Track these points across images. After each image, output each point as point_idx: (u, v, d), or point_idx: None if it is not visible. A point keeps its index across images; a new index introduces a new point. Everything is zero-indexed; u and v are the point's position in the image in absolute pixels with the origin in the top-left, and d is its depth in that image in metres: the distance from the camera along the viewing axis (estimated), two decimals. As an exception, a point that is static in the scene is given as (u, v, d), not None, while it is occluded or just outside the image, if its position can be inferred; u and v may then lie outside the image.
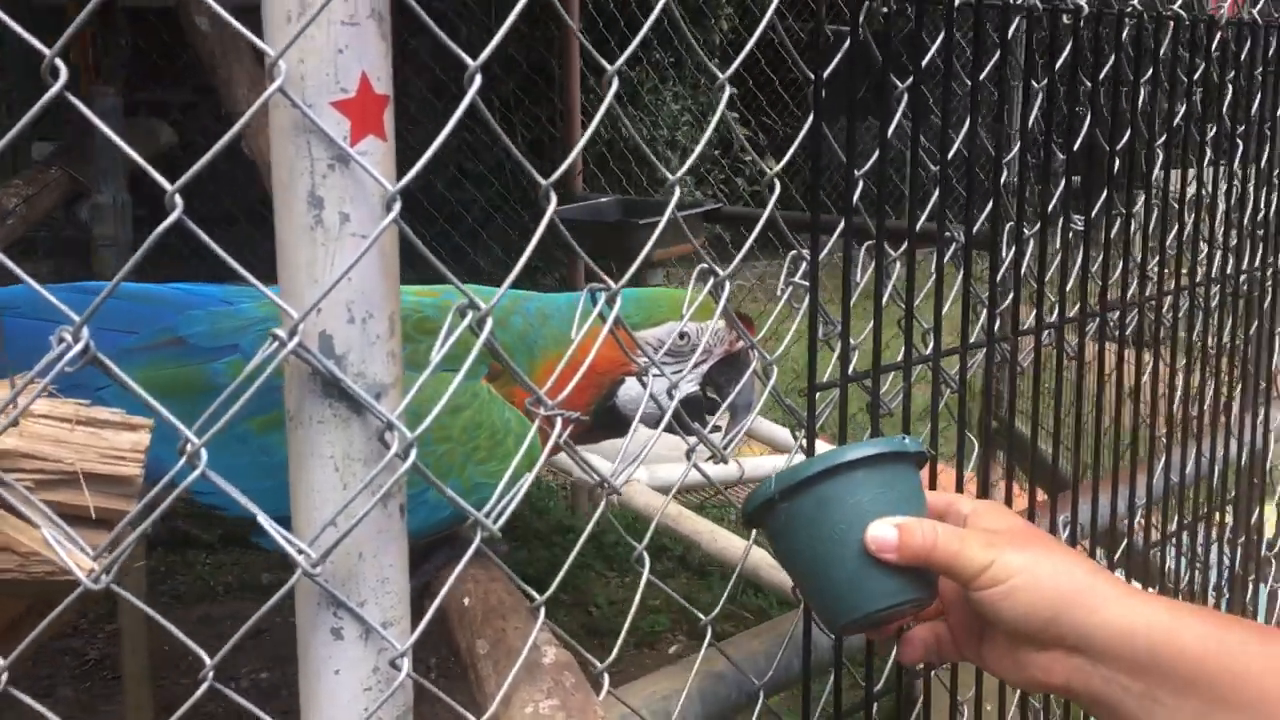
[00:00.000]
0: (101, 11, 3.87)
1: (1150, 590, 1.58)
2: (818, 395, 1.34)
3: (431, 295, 1.42)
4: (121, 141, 0.79)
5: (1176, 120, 1.92)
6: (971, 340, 1.54)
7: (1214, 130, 2.04)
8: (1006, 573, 1.00)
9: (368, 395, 0.82)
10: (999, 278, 1.57)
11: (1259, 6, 2.05)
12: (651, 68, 8.30)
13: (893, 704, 1.52)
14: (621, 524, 1.21)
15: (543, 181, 0.90)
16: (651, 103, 8.35)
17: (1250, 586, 2.44)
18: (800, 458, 1.31)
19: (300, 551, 0.81)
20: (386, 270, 0.83)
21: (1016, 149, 1.61)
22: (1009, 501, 1.61)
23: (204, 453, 0.76)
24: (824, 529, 1.06)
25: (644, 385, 1.14)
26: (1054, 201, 1.66)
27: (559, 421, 1.02)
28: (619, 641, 1.14)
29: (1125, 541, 1.96)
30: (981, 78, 1.49)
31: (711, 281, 1.17)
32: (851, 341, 1.36)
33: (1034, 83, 1.58)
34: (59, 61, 0.69)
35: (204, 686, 0.82)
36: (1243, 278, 2.20)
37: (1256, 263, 2.24)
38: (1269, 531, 2.66)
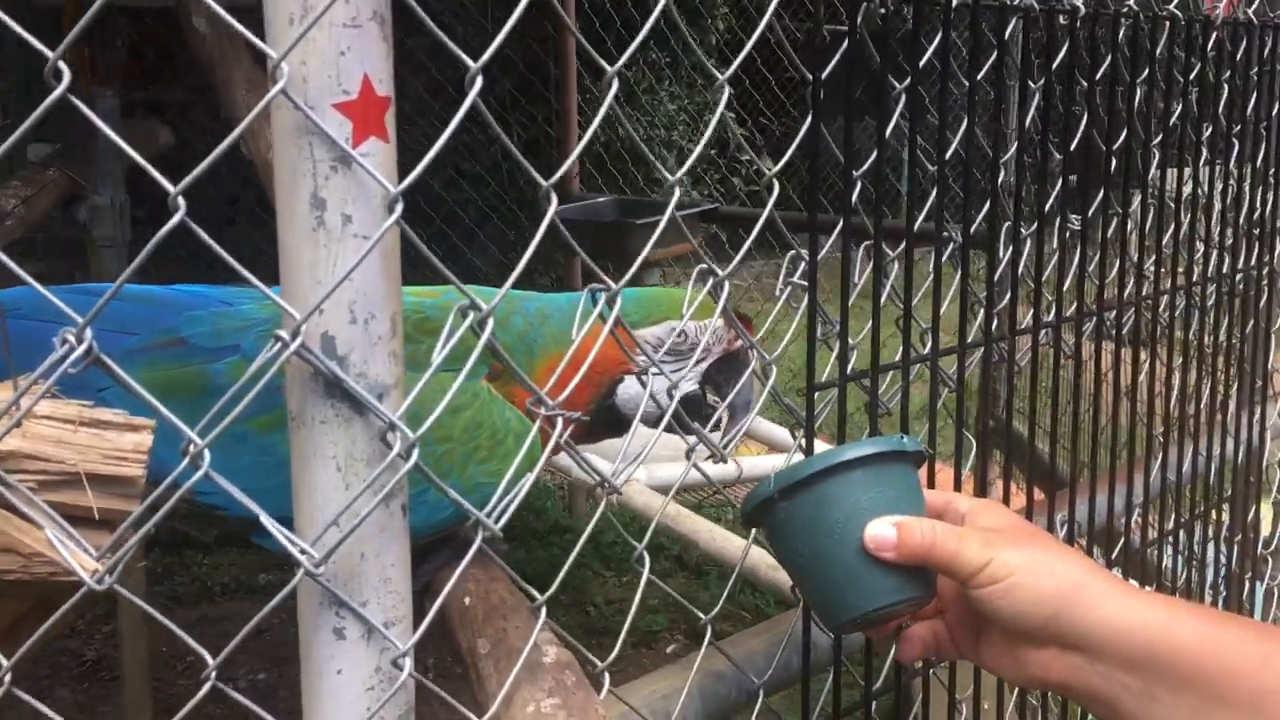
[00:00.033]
0: (102, 14, 3.87)
1: (1147, 588, 1.59)
2: (816, 395, 1.34)
3: (432, 295, 1.43)
4: (124, 143, 0.79)
5: (1173, 120, 1.92)
6: (969, 340, 1.55)
7: (1210, 130, 2.04)
8: (1005, 571, 1.00)
9: (370, 396, 0.82)
10: (996, 277, 1.58)
11: (1254, 6, 2.06)
12: (648, 68, 8.30)
13: (891, 702, 1.53)
14: (619, 523, 1.21)
15: (543, 183, 0.90)
16: (648, 103, 8.35)
17: (1247, 584, 2.45)
18: (799, 457, 1.31)
19: (303, 552, 0.82)
20: (388, 271, 0.83)
21: (1014, 149, 1.62)
22: (1006, 500, 1.62)
23: (207, 453, 0.76)
24: (823, 528, 1.06)
25: (643, 384, 1.14)
26: (1051, 201, 1.67)
27: (559, 421, 1.02)
28: (620, 641, 1.14)
29: (1122, 540, 1.96)
30: (979, 78, 1.49)
31: (711, 282, 1.17)
32: (850, 341, 1.36)
33: (1031, 83, 1.59)
34: (63, 64, 0.70)
35: (207, 686, 0.82)
36: (1239, 277, 2.20)
37: (1253, 261, 2.25)
38: (1265, 529, 2.66)
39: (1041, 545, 1.03)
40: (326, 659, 0.86)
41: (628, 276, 1.05)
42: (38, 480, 0.86)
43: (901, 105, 1.40)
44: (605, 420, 1.47)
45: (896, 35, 1.36)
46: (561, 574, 1.06)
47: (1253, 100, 2.14)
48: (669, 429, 1.21)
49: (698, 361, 1.47)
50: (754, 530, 1.22)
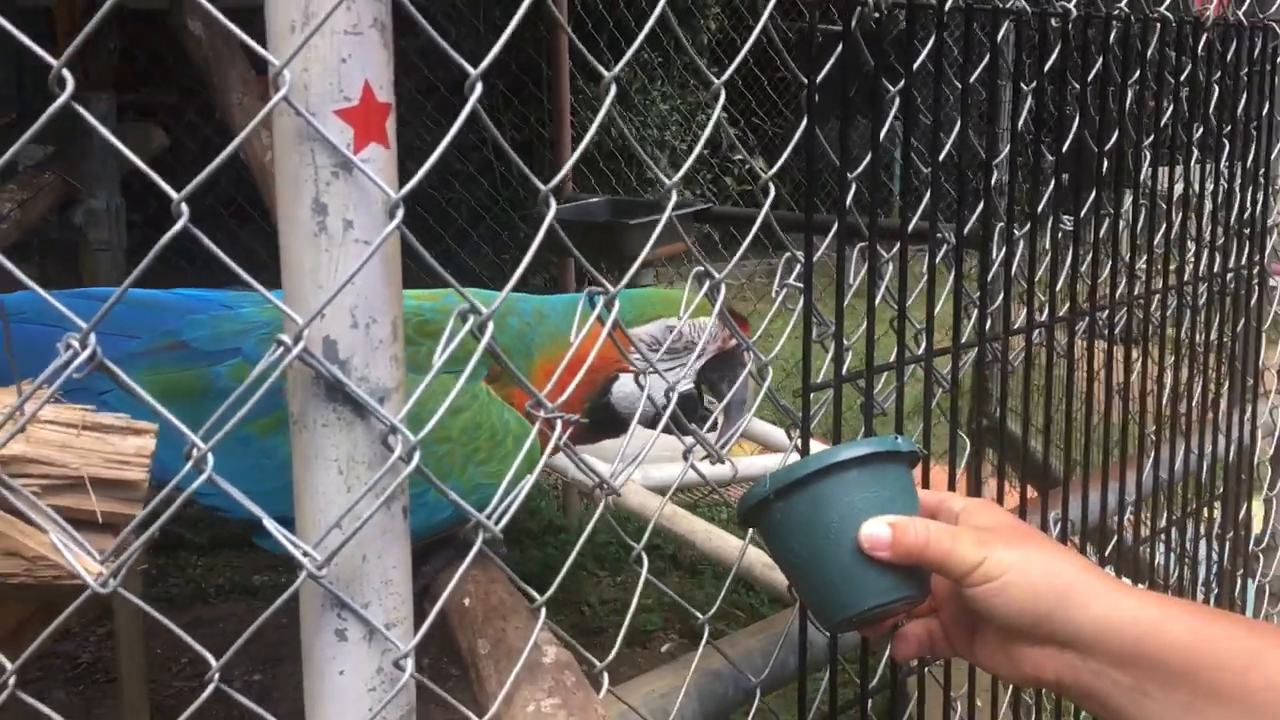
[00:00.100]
0: (91, 15, 3.87)
1: (1140, 586, 1.60)
2: (811, 395, 1.35)
3: (432, 299, 1.43)
4: (125, 148, 0.80)
5: (1164, 121, 1.94)
6: (963, 340, 1.56)
7: (1200, 130, 2.06)
8: (998, 569, 1.01)
9: (371, 399, 0.83)
10: (990, 277, 1.59)
11: (1244, 8, 2.07)
12: (640, 68, 8.31)
13: (887, 700, 1.54)
14: (615, 524, 1.22)
15: (542, 187, 0.91)
16: (640, 103, 8.36)
17: (1238, 581, 2.46)
18: (795, 457, 1.32)
19: (305, 554, 0.82)
20: (389, 276, 0.84)
21: (1006, 150, 1.63)
22: (1000, 499, 1.63)
23: (210, 457, 0.77)
24: (818, 528, 1.07)
25: (640, 385, 1.15)
26: (1044, 202, 1.68)
27: (559, 423, 1.03)
28: (618, 641, 1.15)
29: (1115, 538, 1.97)
30: (972, 80, 1.51)
31: (708, 284, 1.18)
32: (845, 342, 1.37)
33: (1023, 84, 1.60)
34: (66, 73, 0.70)
35: (210, 688, 0.82)
36: (1229, 276, 2.22)
37: (1243, 261, 2.26)
38: (1256, 527, 2.68)
39: (1035, 544, 1.04)
40: (329, 660, 0.87)
41: (626, 278, 1.06)
42: (41, 484, 0.87)
43: (896, 107, 1.41)
44: (600, 419, 1.48)
45: (890, 37, 1.37)
46: (561, 575, 1.07)
47: (1243, 101, 2.15)
48: (665, 429, 1.22)
49: (692, 360, 1.48)
50: (750, 530, 1.23)
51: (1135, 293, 1.91)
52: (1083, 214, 1.74)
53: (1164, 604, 0.99)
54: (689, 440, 1.23)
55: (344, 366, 0.82)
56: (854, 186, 1.36)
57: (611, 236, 4.43)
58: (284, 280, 0.83)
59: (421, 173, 0.81)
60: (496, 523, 0.96)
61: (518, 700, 1.05)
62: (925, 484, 1.47)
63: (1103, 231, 1.79)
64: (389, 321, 0.84)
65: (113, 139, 0.80)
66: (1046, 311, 1.70)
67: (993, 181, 1.58)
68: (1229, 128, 2.13)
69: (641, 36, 1.00)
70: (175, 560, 5.01)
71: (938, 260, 1.49)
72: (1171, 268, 2.03)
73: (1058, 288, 1.71)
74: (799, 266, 1.32)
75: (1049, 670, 1.01)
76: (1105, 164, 1.77)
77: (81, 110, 0.72)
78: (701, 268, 1.18)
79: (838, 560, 1.06)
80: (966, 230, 1.55)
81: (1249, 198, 2.24)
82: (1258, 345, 2.44)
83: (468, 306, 0.88)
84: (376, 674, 0.87)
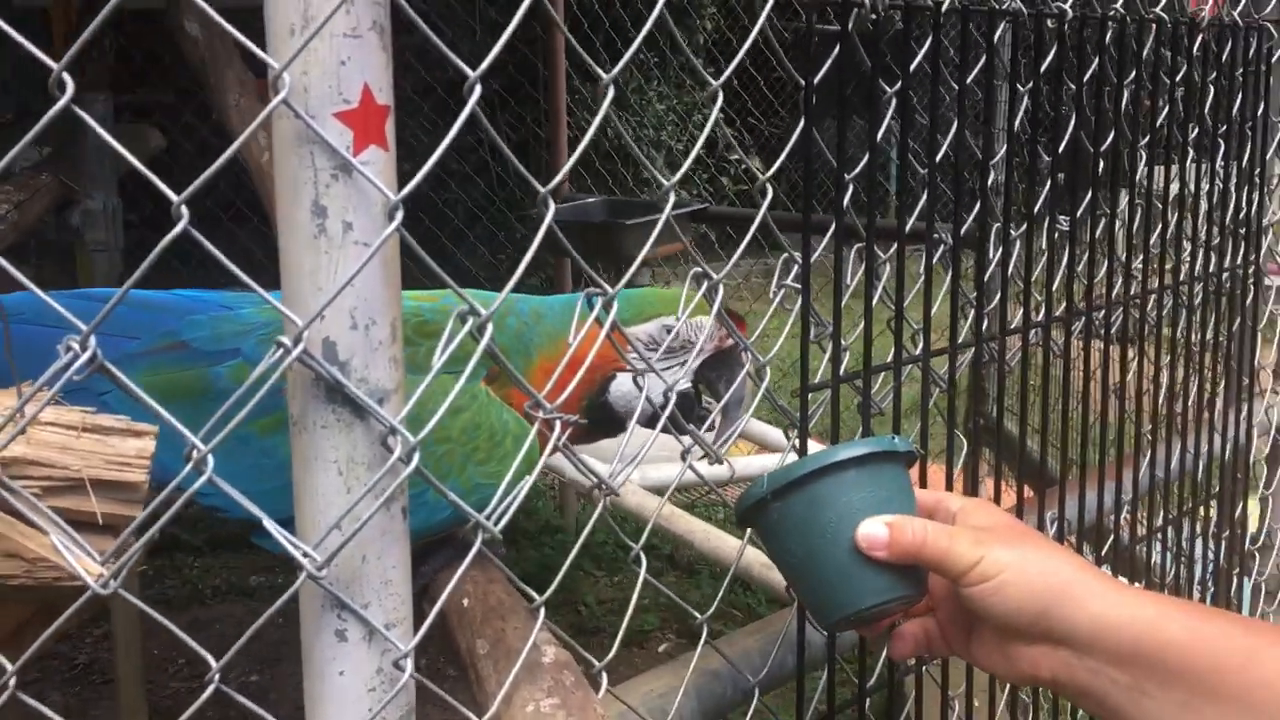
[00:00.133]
0: (87, 15, 3.86)
1: (1137, 585, 1.60)
2: (809, 395, 1.36)
3: (431, 300, 1.44)
4: (124, 150, 0.80)
5: (1159, 121, 1.94)
6: (960, 340, 1.56)
7: (1196, 130, 2.06)
8: (995, 569, 1.01)
9: (371, 400, 0.83)
10: (986, 278, 1.59)
11: (1239, 8, 2.08)
12: (636, 68, 8.30)
13: (885, 700, 1.54)
14: (613, 524, 1.22)
15: (541, 189, 0.91)
16: (636, 103, 8.35)
17: (1234, 580, 2.47)
18: (793, 457, 1.32)
19: (305, 555, 0.83)
20: (388, 277, 0.84)
21: (1003, 150, 1.63)
22: (997, 498, 1.63)
23: (210, 458, 0.77)
24: (816, 527, 1.07)
25: (638, 385, 1.15)
26: (1040, 202, 1.69)
27: (558, 424, 1.03)
28: (617, 640, 1.15)
29: (1111, 537, 1.98)
30: (968, 81, 1.51)
31: (706, 285, 1.19)
32: (842, 342, 1.38)
33: (1019, 85, 1.61)
34: (66, 76, 0.70)
35: (211, 688, 0.83)
36: (1225, 275, 2.22)
37: (1239, 260, 2.26)
38: (1252, 525, 2.69)
39: (1031, 543, 1.04)
40: (329, 660, 0.87)
41: (624, 279, 1.07)
42: (42, 486, 0.87)
43: (893, 108, 1.42)
44: (598, 417, 1.48)
45: (886, 38, 1.37)
46: (560, 576, 1.07)
47: (1238, 101, 2.16)
48: (663, 429, 1.22)
49: (689, 358, 1.48)
50: (748, 530, 1.23)
51: (1131, 292, 1.91)
52: (1079, 214, 1.74)
53: (1160, 603, 0.99)
54: (687, 440, 1.24)
55: (343, 368, 0.82)
56: (851, 187, 1.36)
57: (608, 237, 4.43)
58: (283, 282, 0.83)
59: (421, 174, 0.81)
60: (496, 523, 0.96)
61: (517, 700, 1.05)
62: (922, 484, 1.48)
63: (1099, 231, 1.79)
64: (388, 323, 0.84)
65: (112, 140, 0.80)
66: (1043, 311, 1.70)
67: (989, 182, 1.59)
68: (1224, 128, 2.13)
69: (640, 38, 1.01)
70: (172, 561, 5.01)
71: (935, 260, 1.50)
72: (1167, 267, 2.04)
73: (1054, 288, 1.72)
74: (796, 267, 1.33)
75: (1046, 669, 1.02)
76: (1101, 164, 1.78)
77: (81, 113, 0.73)
78: (700, 268, 1.18)
79: (835, 560, 1.07)
80: (963, 230, 1.55)
81: (1244, 197, 2.25)
82: (1253, 344, 2.44)
83: (467, 308, 0.88)
84: (376, 674, 0.88)
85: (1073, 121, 1.70)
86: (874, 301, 1.42)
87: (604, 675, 1.10)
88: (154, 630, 3.83)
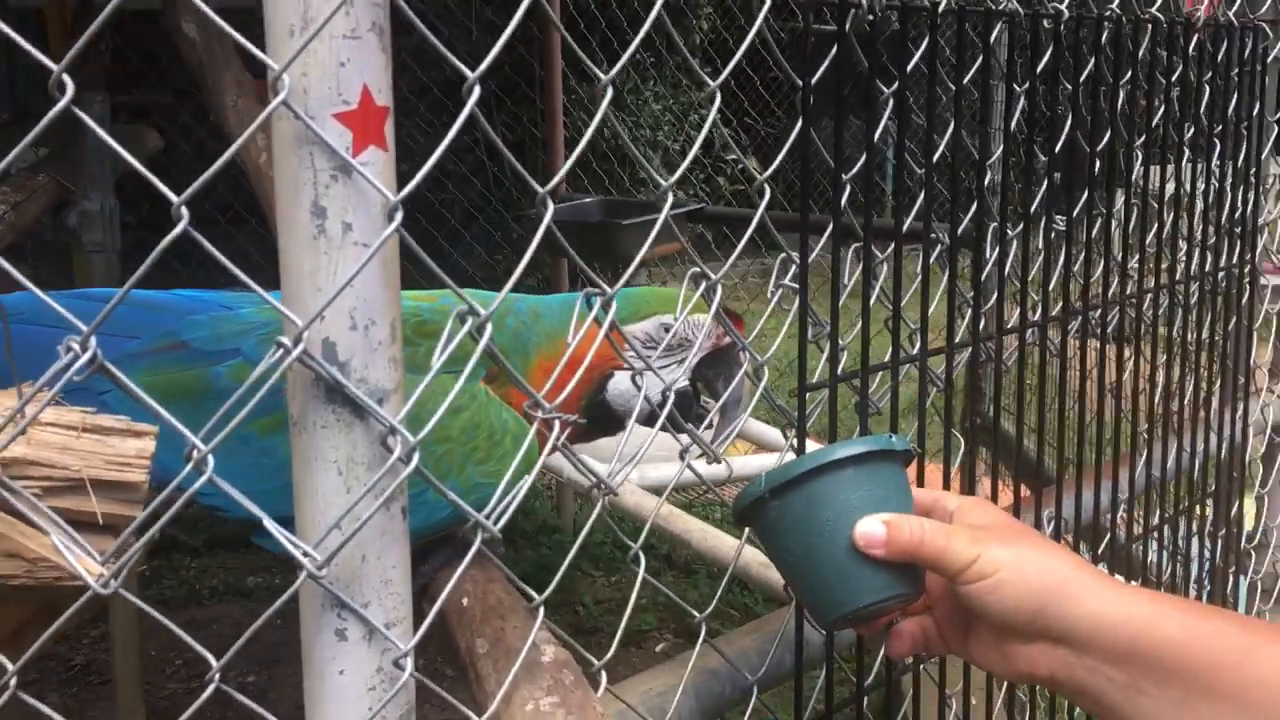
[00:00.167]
0: (84, 15, 3.86)
1: (1133, 583, 1.61)
2: (807, 395, 1.36)
3: (429, 300, 1.44)
4: (124, 150, 0.80)
5: (1155, 121, 1.95)
6: (957, 339, 1.57)
7: (1191, 130, 2.07)
8: (992, 567, 1.02)
9: (370, 400, 0.83)
10: (983, 277, 1.60)
11: (1234, 8, 2.08)
12: (632, 68, 8.31)
13: (882, 698, 1.55)
14: (611, 523, 1.23)
15: (540, 189, 0.92)
16: (633, 103, 8.36)
17: (1230, 579, 2.47)
18: (790, 456, 1.33)
19: (305, 554, 0.83)
20: (388, 278, 0.84)
21: (999, 150, 1.64)
22: (994, 497, 1.64)
23: (210, 459, 0.77)
24: (813, 526, 1.08)
25: (637, 385, 1.16)
26: (1036, 201, 1.69)
27: (556, 423, 1.04)
28: (616, 639, 1.16)
29: (1108, 536, 1.98)
30: (965, 81, 1.51)
31: (704, 285, 1.19)
32: (839, 342, 1.38)
33: (1016, 85, 1.61)
34: (67, 77, 0.71)
35: (211, 687, 0.83)
36: (1221, 274, 2.23)
37: (1234, 259, 2.27)
38: (1248, 524, 2.69)
39: (1028, 542, 1.05)
40: (329, 660, 0.87)
41: (623, 280, 1.07)
42: (42, 486, 0.87)
43: (890, 108, 1.42)
44: (596, 416, 1.49)
45: (883, 38, 1.38)
46: (559, 575, 1.07)
47: (1233, 101, 2.16)
48: (661, 428, 1.22)
49: (686, 357, 1.48)
50: (747, 529, 1.23)
51: (1127, 292, 1.92)
52: (1075, 214, 1.75)
53: (1157, 601, 1.00)
54: (685, 439, 1.24)
55: (343, 368, 0.83)
56: (848, 187, 1.36)
57: (604, 237, 4.44)
58: (283, 283, 0.83)
59: (420, 175, 0.81)
60: (495, 522, 0.96)
61: (516, 699, 1.06)
62: (920, 483, 1.48)
63: (1095, 231, 1.80)
64: (388, 323, 0.84)
65: (111, 141, 0.80)
66: (1039, 311, 1.71)
67: (986, 182, 1.59)
68: (1220, 127, 2.14)
69: (638, 39, 1.01)
70: (169, 562, 5.01)
71: (932, 260, 1.50)
72: (1163, 267, 2.04)
73: (1050, 287, 1.72)
74: (794, 267, 1.33)
75: (1043, 666, 1.02)
76: (1097, 164, 1.78)
77: (81, 114, 0.73)
78: (698, 268, 1.18)
79: (833, 558, 1.07)
80: (960, 230, 1.56)
81: (1240, 197, 2.25)
82: (1249, 343, 2.45)
83: (466, 308, 0.89)
84: (376, 673, 0.88)
85: (1069, 121, 1.70)
86: (871, 301, 1.43)
87: (603, 674, 1.10)
88: (151, 631, 3.83)
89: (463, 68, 0.83)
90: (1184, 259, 2.10)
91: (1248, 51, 2.17)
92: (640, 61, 8.35)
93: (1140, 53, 1.84)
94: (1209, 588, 2.37)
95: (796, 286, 1.33)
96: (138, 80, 6.56)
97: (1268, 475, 2.83)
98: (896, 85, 1.41)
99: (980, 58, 1.55)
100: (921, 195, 1.47)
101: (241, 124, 2.66)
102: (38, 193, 3.24)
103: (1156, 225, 2.00)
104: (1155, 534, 2.13)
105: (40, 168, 3.40)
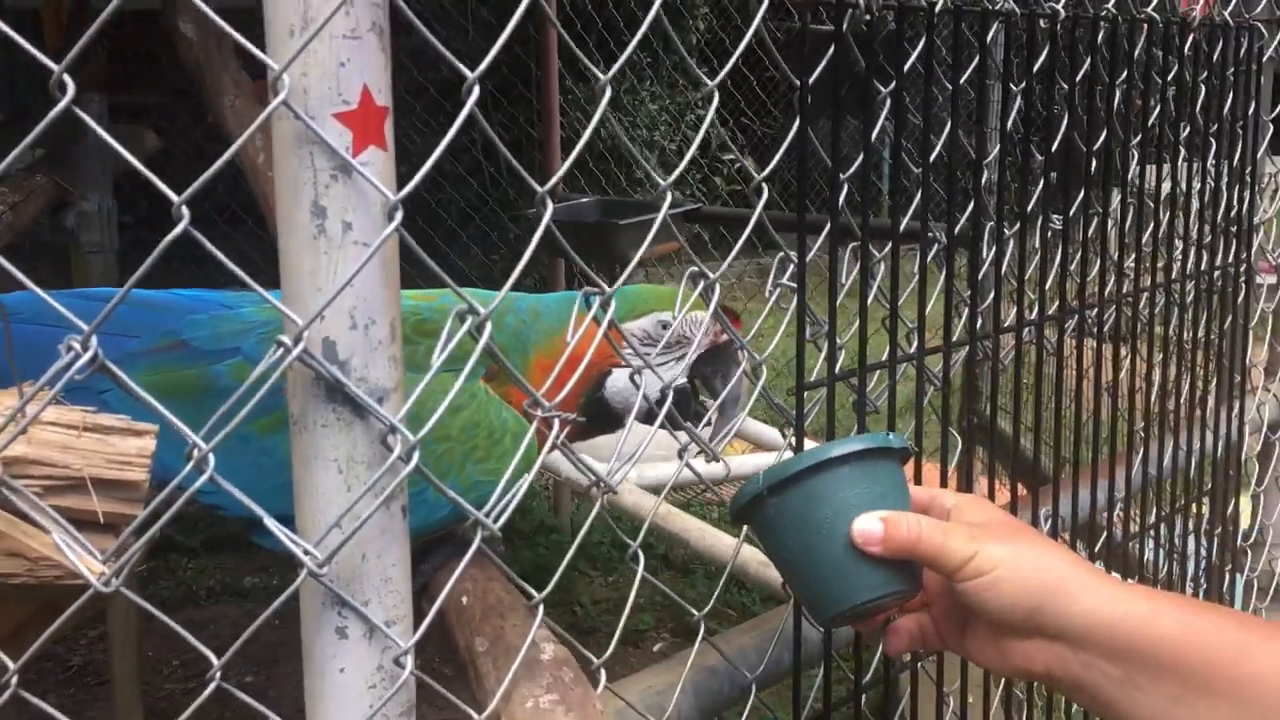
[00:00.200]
0: (82, 15, 3.86)
1: (1129, 581, 1.61)
2: (805, 394, 1.36)
3: (429, 299, 1.44)
4: (124, 150, 0.81)
5: (1151, 120, 1.95)
6: (954, 338, 1.57)
7: (1187, 129, 2.07)
8: (989, 564, 1.02)
9: (370, 399, 0.84)
10: (980, 276, 1.60)
11: (1230, 8, 2.09)
12: (629, 68, 8.31)
13: (880, 696, 1.55)
14: (610, 522, 1.23)
15: (539, 189, 0.92)
16: (629, 103, 8.37)
17: (1227, 576, 2.48)
18: (788, 455, 1.33)
19: (306, 552, 0.83)
20: (388, 277, 0.85)
21: (996, 150, 1.64)
22: (991, 495, 1.64)
23: (211, 457, 0.78)
24: (811, 523, 1.08)
25: (636, 384, 1.16)
26: (1033, 201, 1.69)
27: (556, 422, 1.04)
28: (615, 638, 1.16)
29: (1105, 534, 1.99)
30: (961, 81, 1.52)
31: (702, 285, 1.19)
32: (837, 341, 1.38)
33: (1012, 85, 1.61)
34: (67, 78, 0.71)
35: (212, 686, 0.83)
36: (1217, 273, 2.23)
37: (1230, 258, 2.28)
38: (1244, 522, 2.70)
39: (1025, 539, 1.05)
40: (329, 658, 0.88)
41: (621, 280, 1.07)
42: (43, 485, 0.87)
43: (886, 108, 1.42)
44: (594, 413, 1.49)
45: (879, 38, 1.38)
46: (558, 574, 1.08)
47: (1229, 100, 2.17)
48: (660, 426, 1.23)
49: (684, 354, 1.49)
50: (745, 528, 1.24)
51: (1124, 291, 1.92)
52: (1071, 213, 1.75)
53: (1153, 598, 1.00)
54: (684, 437, 1.24)
55: (343, 367, 0.83)
56: (845, 187, 1.37)
57: (601, 236, 4.44)
58: (283, 282, 0.83)
59: (420, 175, 0.82)
60: (495, 521, 0.97)
61: (516, 697, 1.06)
62: (917, 481, 1.48)
63: (1091, 230, 1.80)
64: (387, 322, 0.85)
65: (112, 141, 0.80)
66: (1036, 310, 1.71)
67: (982, 181, 1.59)
68: (1215, 127, 2.15)
69: (636, 40, 1.01)
70: (166, 563, 5.00)
71: (929, 259, 1.51)
72: (1159, 266, 2.05)
73: (1047, 286, 1.73)
74: (792, 266, 1.33)
75: (1039, 663, 1.02)
76: (1093, 163, 1.79)
77: (81, 114, 0.73)
78: (696, 268, 1.19)
79: (830, 556, 1.07)
80: (957, 230, 1.56)
81: (1235, 196, 2.26)
82: (1245, 342, 2.45)
83: (466, 307, 0.89)
84: (377, 671, 0.88)
85: (1065, 121, 1.70)
86: (869, 300, 1.43)
87: (602, 672, 1.11)
88: (149, 631, 3.83)
89: (462, 68, 0.83)
90: (1180, 258, 2.10)
91: (1243, 51, 2.18)
92: (636, 62, 8.35)
93: (1136, 52, 1.85)
94: (1205, 585, 2.37)
95: (794, 286, 1.33)
96: (136, 81, 6.55)
97: (1263, 473, 2.83)
98: (893, 85, 1.41)
99: (977, 57, 1.56)
100: (919, 195, 1.48)
101: (239, 124, 2.66)
102: (35, 193, 3.24)
103: (1152, 224, 2.00)
104: (1151, 532, 2.14)
105: (38, 168, 3.40)
